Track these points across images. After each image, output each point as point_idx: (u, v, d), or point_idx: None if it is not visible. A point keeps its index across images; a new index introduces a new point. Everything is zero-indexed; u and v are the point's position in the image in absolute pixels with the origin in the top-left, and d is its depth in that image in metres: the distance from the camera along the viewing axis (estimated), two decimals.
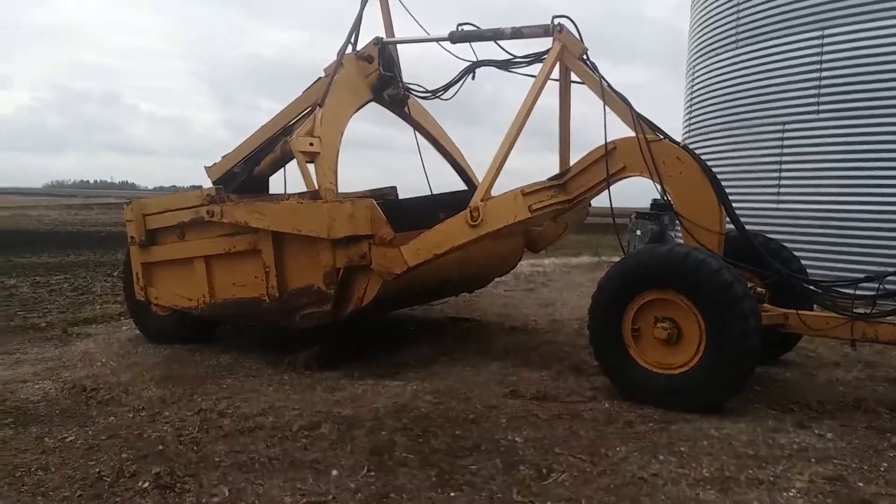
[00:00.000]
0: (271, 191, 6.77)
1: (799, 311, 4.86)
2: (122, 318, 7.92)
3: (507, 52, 5.92)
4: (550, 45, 5.57)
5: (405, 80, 6.76)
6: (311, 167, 5.75)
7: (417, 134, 7.18)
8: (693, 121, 13.10)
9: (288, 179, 6.54)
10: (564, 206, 5.40)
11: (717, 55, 12.01)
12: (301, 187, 5.80)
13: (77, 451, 3.90)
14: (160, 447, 3.93)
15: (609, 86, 5.34)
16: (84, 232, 23.04)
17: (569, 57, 5.53)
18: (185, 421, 4.36)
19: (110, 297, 9.64)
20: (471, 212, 5.16)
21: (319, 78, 6.46)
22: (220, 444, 3.96)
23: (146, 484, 3.44)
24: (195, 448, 3.91)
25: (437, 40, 6.27)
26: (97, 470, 3.61)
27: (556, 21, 5.51)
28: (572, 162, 5.52)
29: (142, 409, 4.60)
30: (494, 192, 5.31)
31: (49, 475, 3.58)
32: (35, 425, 4.34)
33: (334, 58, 6.41)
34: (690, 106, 13.32)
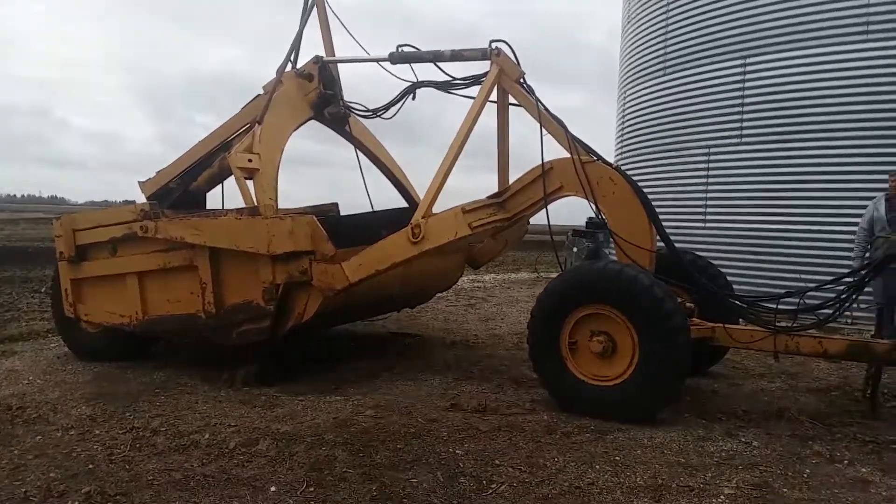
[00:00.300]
0: (208, 207, 6.67)
1: (725, 325, 5.09)
2: (49, 335, 7.62)
3: (446, 73, 6.03)
4: (489, 69, 5.70)
5: (346, 98, 6.80)
6: (249, 183, 5.71)
7: (358, 152, 7.21)
8: (625, 143, 13.56)
9: (225, 195, 6.47)
10: (504, 223, 5.50)
11: (646, 81, 12.51)
12: (239, 203, 5.74)
13: (2, 471, 3.74)
14: (90, 466, 3.81)
15: (545, 108, 5.49)
16: (10, 248, 21.95)
17: (506, 80, 5.66)
18: (116, 439, 4.23)
19: (37, 314, 9.25)
20: (412, 228, 5.22)
21: (258, 95, 6.43)
22: (152, 463, 3.86)
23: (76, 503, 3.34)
24: (127, 466, 3.81)
25: (378, 60, 6.32)
26: (24, 490, 3.48)
27: (494, 45, 5.64)
28: (511, 181, 5.64)
29: (71, 428, 4.44)
30: (436, 209, 5.38)
31: None
32: None
33: (274, 75, 6.40)
34: (622, 129, 13.79)
